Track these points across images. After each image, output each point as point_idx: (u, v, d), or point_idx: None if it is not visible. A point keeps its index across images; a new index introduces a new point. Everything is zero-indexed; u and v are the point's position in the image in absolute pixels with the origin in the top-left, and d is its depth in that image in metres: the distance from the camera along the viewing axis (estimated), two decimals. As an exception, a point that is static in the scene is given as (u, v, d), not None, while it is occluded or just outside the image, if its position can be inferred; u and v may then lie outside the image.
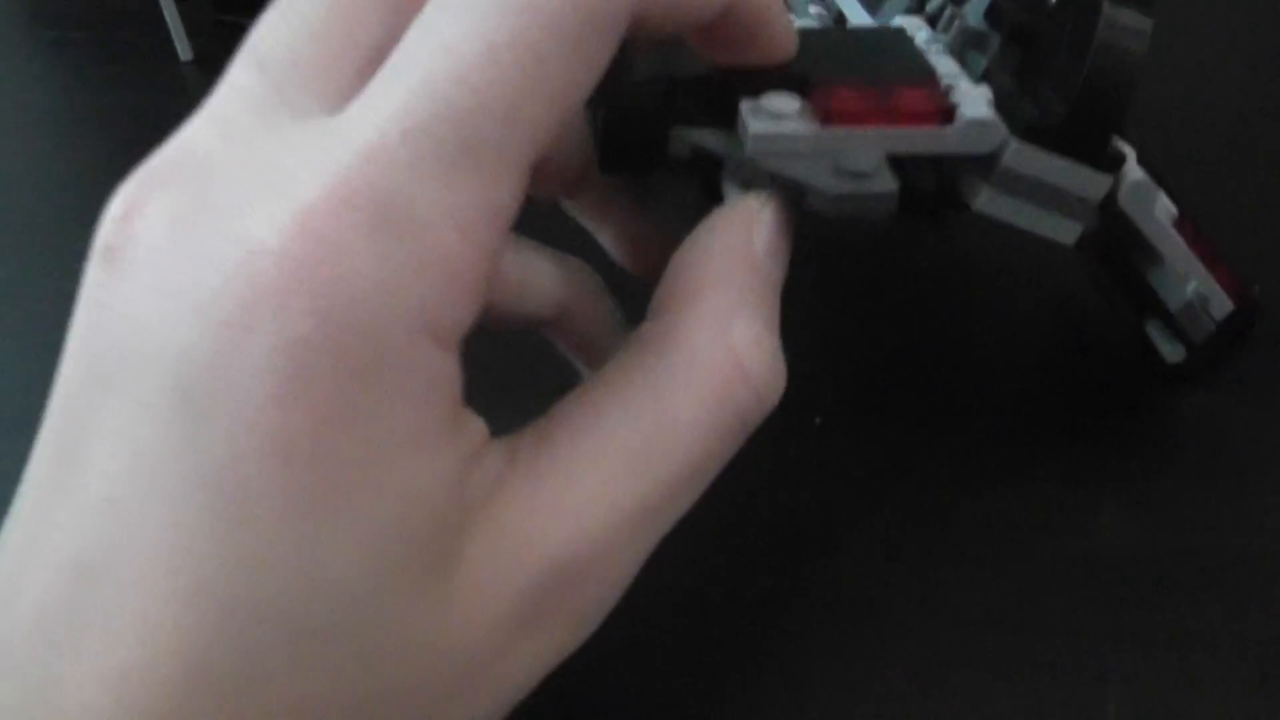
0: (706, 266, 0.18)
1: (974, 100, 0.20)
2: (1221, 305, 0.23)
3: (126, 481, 0.14)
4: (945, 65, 0.21)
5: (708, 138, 0.19)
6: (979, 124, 0.20)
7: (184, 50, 0.43)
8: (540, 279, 0.20)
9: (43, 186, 0.37)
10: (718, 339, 0.17)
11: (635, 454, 0.16)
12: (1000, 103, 0.21)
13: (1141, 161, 0.23)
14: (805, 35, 0.21)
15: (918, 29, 0.23)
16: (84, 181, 0.35)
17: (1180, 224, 0.23)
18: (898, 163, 0.20)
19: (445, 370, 0.14)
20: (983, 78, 0.21)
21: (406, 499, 0.14)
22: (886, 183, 0.19)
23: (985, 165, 0.20)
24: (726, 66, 0.19)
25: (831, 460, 0.24)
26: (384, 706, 0.14)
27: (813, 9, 0.26)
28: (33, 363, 0.16)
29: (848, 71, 0.20)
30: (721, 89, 0.19)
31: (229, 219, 0.14)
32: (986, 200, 0.21)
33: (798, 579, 0.22)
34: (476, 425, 0.16)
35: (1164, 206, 0.22)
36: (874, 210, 0.19)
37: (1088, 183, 0.21)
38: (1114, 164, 0.21)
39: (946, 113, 0.20)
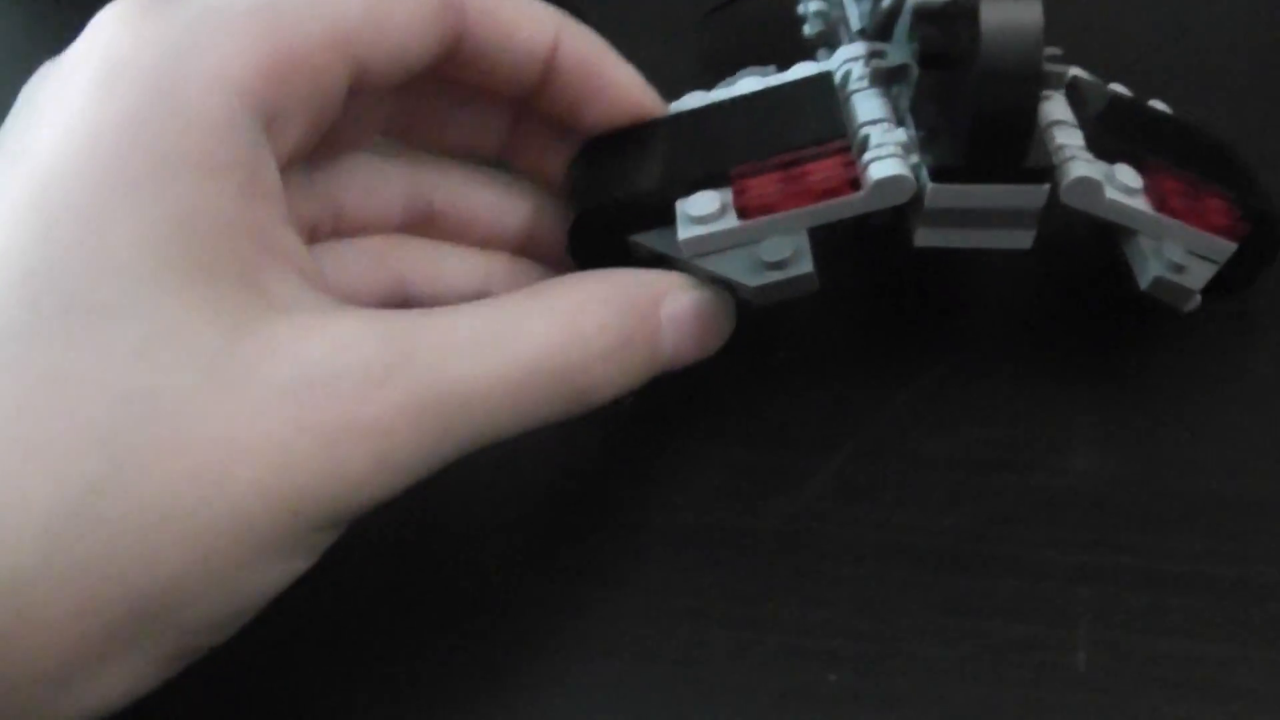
0: (604, 273, 0.20)
1: (885, 155, 0.20)
2: (1218, 249, 0.22)
3: None
4: (868, 109, 0.21)
5: (657, 241, 0.21)
6: (886, 184, 0.20)
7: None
8: (453, 268, 0.22)
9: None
10: (575, 307, 0.19)
11: (462, 339, 0.18)
12: (928, 134, 0.20)
13: (1099, 129, 0.22)
14: (726, 110, 0.22)
15: (856, 60, 0.23)
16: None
17: (1150, 186, 0.22)
18: None
19: (238, 121, 0.17)
20: (912, 108, 0.21)
21: (186, 207, 0.16)
22: (804, 266, 0.20)
23: (914, 206, 0.21)
24: (600, 134, 0.22)
25: (790, 395, 0.24)
26: (163, 427, 0.15)
27: (813, 5, 0.26)
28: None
29: (762, 151, 0.21)
30: (662, 195, 0.21)
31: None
32: (924, 237, 0.21)
33: (752, 516, 0.22)
34: (305, 254, 0.18)
35: (1122, 182, 0.21)
36: (797, 292, 0.20)
37: (1022, 197, 0.20)
38: (1042, 174, 0.20)
39: (854, 181, 0.20)
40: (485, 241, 0.23)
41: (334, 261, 0.21)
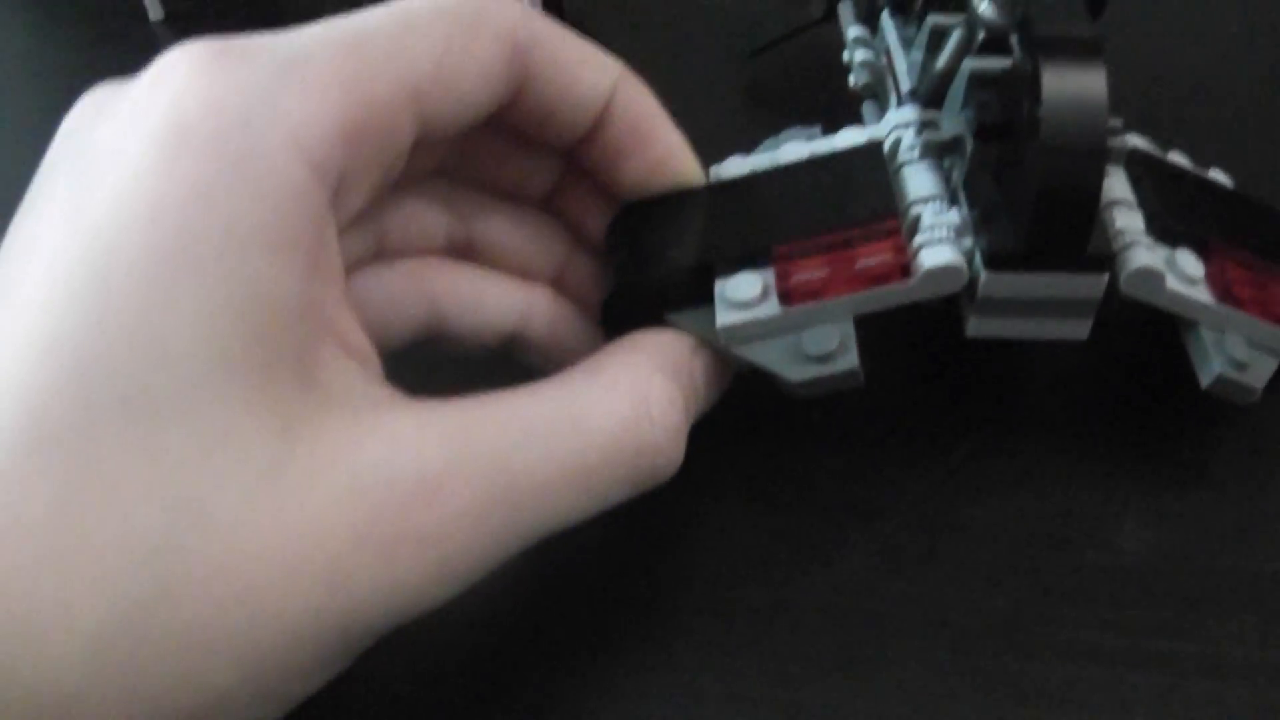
0: (647, 340, 0.20)
1: (937, 240, 0.19)
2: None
3: (19, 258, 0.16)
4: (919, 184, 0.20)
5: (694, 322, 0.20)
6: (939, 273, 0.19)
7: (155, 10, 0.41)
8: (494, 297, 0.22)
9: (10, 146, 0.35)
10: (640, 383, 0.18)
11: (527, 428, 0.17)
12: (982, 214, 0.20)
13: (1159, 208, 0.21)
14: (770, 180, 0.21)
15: (907, 127, 0.22)
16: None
17: (1212, 272, 0.21)
18: None
19: (310, 193, 0.16)
20: (966, 183, 0.20)
21: (250, 290, 0.15)
22: (849, 359, 0.19)
23: (968, 293, 0.20)
24: (639, 199, 0.21)
25: (829, 460, 0.23)
26: (209, 531, 0.15)
27: (859, 54, 0.25)
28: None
29: (808, 227, 0.20)
30: (700, 274, 0.20)
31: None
32: (977, 326, 0.20)
33: (791, 589, 0.21)
34: (360, 334, 0.18)
35: (1183, 270, 0.20)
36: (841, 386, 0.20)
37: (1080, 287, 0.19)
38: (1102, 263, 0.19)
39: (905, 267, 0.19)
40: (523, 276, 0.22)
41: (370, 283, 0.20)
